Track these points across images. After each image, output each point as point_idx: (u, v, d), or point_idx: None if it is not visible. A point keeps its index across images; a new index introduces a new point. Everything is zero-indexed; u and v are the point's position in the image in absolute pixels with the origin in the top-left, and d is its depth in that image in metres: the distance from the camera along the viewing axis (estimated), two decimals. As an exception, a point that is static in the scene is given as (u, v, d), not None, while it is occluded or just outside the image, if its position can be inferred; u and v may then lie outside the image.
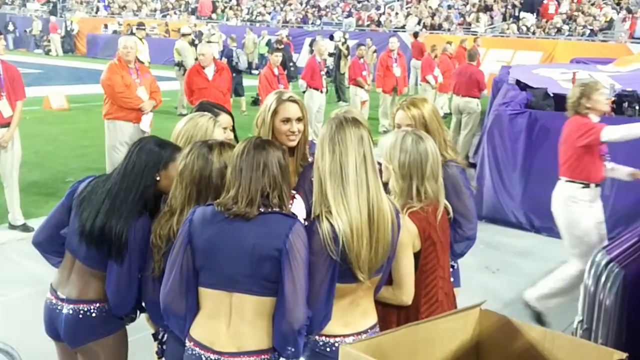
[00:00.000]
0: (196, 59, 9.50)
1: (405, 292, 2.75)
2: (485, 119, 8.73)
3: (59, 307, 2.89)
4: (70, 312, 2.86)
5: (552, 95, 8.08)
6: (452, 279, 3.17)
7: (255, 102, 15.32)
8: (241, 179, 2.44)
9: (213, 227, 2.44)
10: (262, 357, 2.43)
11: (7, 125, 6.73)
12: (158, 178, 2.82)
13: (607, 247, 3.02)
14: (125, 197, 2.78)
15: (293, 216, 2.50)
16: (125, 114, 7.36)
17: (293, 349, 2.43)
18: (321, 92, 12.01)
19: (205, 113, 3.20)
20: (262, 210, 2.43)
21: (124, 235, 2.73)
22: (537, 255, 6.80)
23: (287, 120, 3.17)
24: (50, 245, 2.99)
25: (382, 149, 2.87)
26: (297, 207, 2.92)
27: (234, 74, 14.49)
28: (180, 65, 14.89)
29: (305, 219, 2.72)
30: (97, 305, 2.86)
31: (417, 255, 2.77)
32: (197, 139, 2.92)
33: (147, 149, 2.84)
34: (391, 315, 2.80)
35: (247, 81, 15.88)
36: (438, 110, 3.45)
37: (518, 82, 8.67)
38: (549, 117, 7.44)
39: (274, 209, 2.45)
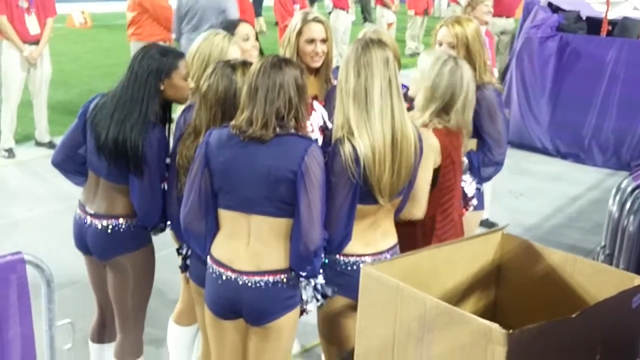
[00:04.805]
0: None
1: (418, 206, 2.70)
2: (514, 42, 8.54)
3: (87, 222, 2.95)
4: (99, 227, 2.91)
5: (584, 18, 7.86)
6: (476, 202, 3.17)
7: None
8: (256, 100, 2.40)
9: (229, 150, 2.44)
10: (280, 276, 2.47)
11: (37, 42, 6.68)
12: (162, 87, 2.79)
13: (634, 174, 2.99)
14: (131, 109, 2.75)
15: (309, 138, 2.48)
16: (158, 33, 6.85)
17: (310, 268, 2.47)
18: (347, 12, 11.73)
19: (220, 31, 3.13)
20: (277, 132, 2.40)
21: (140, 149, 2.74)
22: (561, 182, 6.77)
23: (312, 40, 3.15)
24: (69, 165, 3.01)
25: (420, 65, 2.82)
26: (316, 115, 2.87)
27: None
28: None
29: (322, 128, 2.70)
30: (125, 220, 2.90)
31: (435, 173, 2.74)
32: (213, 58, 2.88)
33: (149, 58, 2.79)
34: (408, 229, 2.75)
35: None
36: (481, 32, 3.35)
37: (550, 4, 8.43)
38: (580, 41, 7.27)
39: (290, 131, 2.43)
